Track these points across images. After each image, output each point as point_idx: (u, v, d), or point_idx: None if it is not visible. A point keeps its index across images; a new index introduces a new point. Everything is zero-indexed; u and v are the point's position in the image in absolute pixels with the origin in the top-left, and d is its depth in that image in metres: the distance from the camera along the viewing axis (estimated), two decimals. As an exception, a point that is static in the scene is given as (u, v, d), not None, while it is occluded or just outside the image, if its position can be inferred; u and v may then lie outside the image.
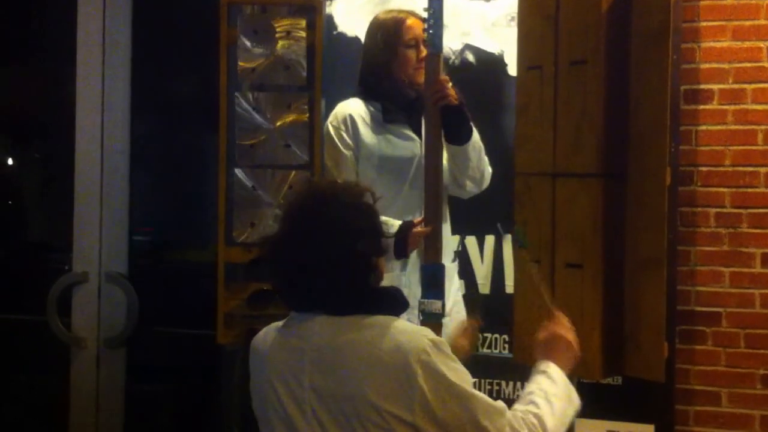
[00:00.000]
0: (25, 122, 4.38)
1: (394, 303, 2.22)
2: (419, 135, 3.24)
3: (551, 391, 2.26)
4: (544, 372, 2.31)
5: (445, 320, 3.13)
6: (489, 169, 3.30)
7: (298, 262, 2.15)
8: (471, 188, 3.30)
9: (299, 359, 2.15)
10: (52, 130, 4.28)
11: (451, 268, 3.28)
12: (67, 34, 3.85)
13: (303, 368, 2.14)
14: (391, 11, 3.34)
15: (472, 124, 3.20)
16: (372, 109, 3.28)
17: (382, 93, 3.28)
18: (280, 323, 2.27)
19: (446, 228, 3.27)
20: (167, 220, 4.12)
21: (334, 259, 2.13)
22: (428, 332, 2.15)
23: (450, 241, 3.33)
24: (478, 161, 3.25)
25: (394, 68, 3.25)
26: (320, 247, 2.13)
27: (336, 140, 3.26)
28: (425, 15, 3.11)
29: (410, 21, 3.26)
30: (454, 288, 3.29)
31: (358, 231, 2.16)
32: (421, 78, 3.21)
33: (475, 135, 3.22)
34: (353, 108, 3.28)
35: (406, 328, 2.14)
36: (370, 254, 2.18)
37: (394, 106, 3.27)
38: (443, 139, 3.17)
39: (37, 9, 4.26)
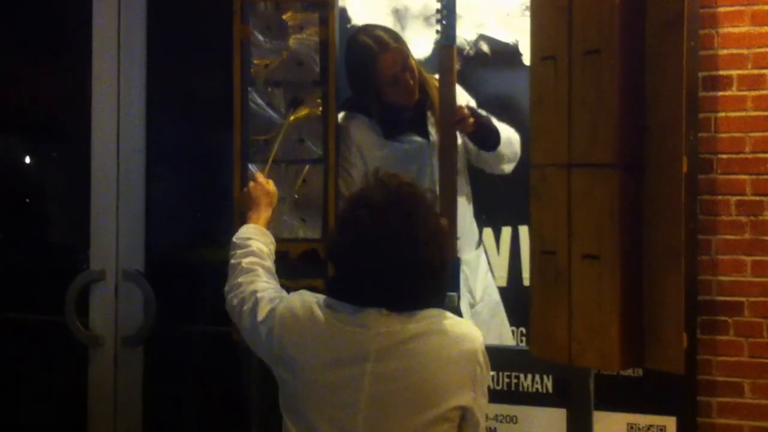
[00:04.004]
0: (43, 121, 4.39)
1: (442, 298, 2.42)
2: (425, 134, 3.23)
3: None
4: None
5: (478, 307, 3.16)
6: (517, 138, 3.29)
7: (387, 261, 2.19)
8: (508, 168, 3.31)
9: (363, 345, 2.20)
10: (69, 128, 4.28)
11: (475, 255, 3.27)
12: (85, 33, 3.86)
13: (367, 354, 2.19)
14: (366, 39, 3.22)
15: (497, 127, 3.18)
16: (370, 121, 3.28)
17: (374, 113, 3.28)
18: (321, 301, 2.30)
19: (469, 210, 3.26)
20: (183, 217, 4.11)
21: (426, 259, 2.20)
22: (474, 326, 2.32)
23: (474, 226, 3.33)
24: (511, 151, 3.28)
25: (380, 97, 3.23)
26: (414, 247, 2.18)
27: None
28: (438, 6, 3.08)
29: (385, 56, 3.17)
30: (482, 272, 3.29)
31: (443, 233, 2.26)
32: (412, 99, 3.20)
33: (504, 132, 3.22)
34: (351, 125, 3.27)
35: (461, 320, 2.31)
36: (449, 256, 2.33)
37: (389, 123, 3.25)
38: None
39: (53, 7, 4.26)
